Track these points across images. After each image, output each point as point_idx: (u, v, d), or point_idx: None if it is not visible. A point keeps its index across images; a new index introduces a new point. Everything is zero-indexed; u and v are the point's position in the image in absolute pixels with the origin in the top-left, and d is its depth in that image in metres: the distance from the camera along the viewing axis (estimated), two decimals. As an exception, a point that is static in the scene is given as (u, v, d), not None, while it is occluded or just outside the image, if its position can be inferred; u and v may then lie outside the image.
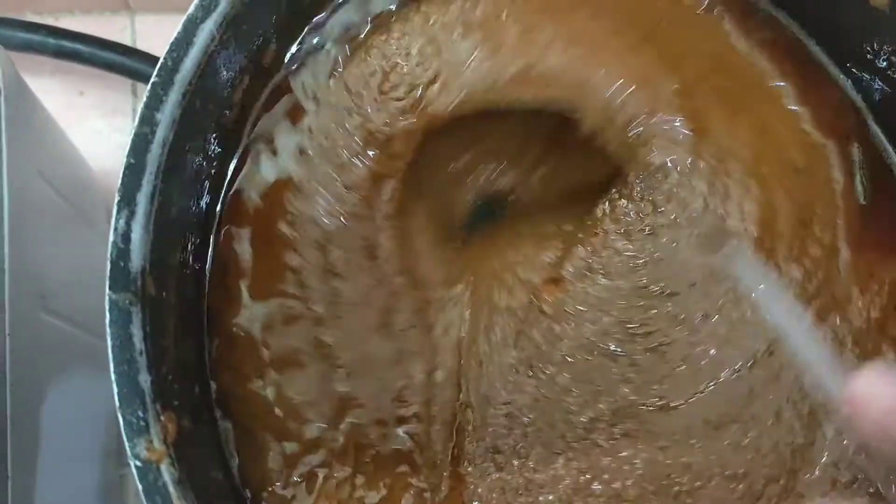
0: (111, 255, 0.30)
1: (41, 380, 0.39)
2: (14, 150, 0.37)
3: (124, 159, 0.31)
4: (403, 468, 0.37)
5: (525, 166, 0.41)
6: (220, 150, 0.37)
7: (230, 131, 0.38)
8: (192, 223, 0.36)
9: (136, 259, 0.31)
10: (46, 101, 0.45)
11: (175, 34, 0.33)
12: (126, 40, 0.55)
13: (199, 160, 0.35)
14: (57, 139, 0.47)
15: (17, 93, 0.39)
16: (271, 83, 0.39)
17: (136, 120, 0.32)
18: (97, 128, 0.56)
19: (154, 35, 0.55)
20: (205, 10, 0.33)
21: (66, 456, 0.42)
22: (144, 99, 0.32)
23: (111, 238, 0.30)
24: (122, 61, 0.51)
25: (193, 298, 0.36)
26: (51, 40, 0.51)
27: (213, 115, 0.35)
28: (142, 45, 0.54)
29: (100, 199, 0.52)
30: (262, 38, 0.37)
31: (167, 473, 0.29)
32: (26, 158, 0.39)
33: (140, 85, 0.55)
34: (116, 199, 0.31)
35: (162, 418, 0.30)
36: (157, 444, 0.29)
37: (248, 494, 0.36)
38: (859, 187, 0.39)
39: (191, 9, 0.33)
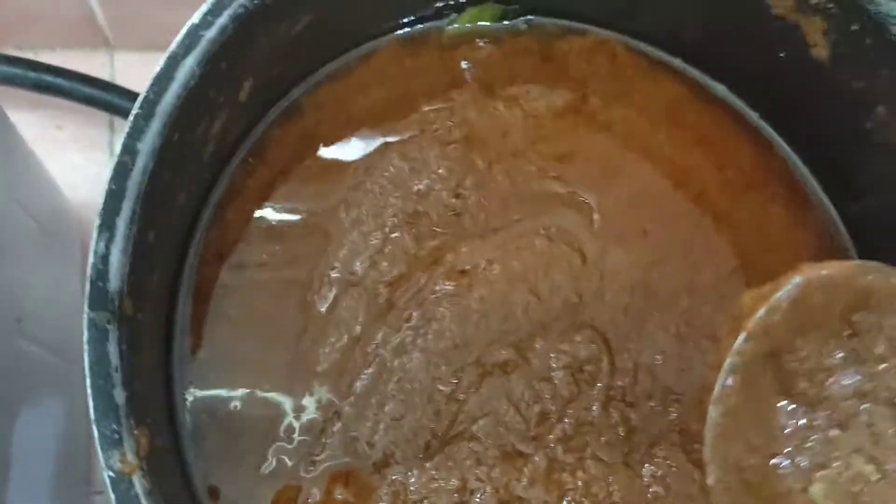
0: (90, 275, 0.31)
1: (13, 403, 0.40)
2: (-6, 178, 0.38)
3: (105, 185, 0.33)
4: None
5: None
6: (198, 179, 0.39)
7: (207, 164, 0.39)
8: (170, 248, 0.37)
9: (115, 280, 0.32)
10: (24, 134, 0.46)
11: (157, 69, 0.34)
12: (105, 77, 0.56)
13: (178, 189, 0.37)
14: (36, 170, 0.49)
15: (-1, 123, 0.41)
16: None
17: (119, 148, 0.33)
18: (74, 161, 0.56)
19: (133, 72, 0.56)
20: (186, 47, 0.35)
21: (35, 479, 0.42)
22: (126, 129, 0.33)
23: (91, 259, 0.31)
24: (102, 96, 0.52)
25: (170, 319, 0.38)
26: (31, 73, 0.52)
27: (191, 146, 0.37)
28: (121, 82, 0.55)
29: (75, 229, 0.53)
30: (238, 77, 0.39)
31: (139, 485, 0.30)
32: (6, 186, 0.40)
33: (117, 121, 0.56)
34: (97, 222, 0.32)
35: (135, 432, 0.31)
36: (131, 456, 0.30)
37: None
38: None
39: (173, 46, 0.35)
